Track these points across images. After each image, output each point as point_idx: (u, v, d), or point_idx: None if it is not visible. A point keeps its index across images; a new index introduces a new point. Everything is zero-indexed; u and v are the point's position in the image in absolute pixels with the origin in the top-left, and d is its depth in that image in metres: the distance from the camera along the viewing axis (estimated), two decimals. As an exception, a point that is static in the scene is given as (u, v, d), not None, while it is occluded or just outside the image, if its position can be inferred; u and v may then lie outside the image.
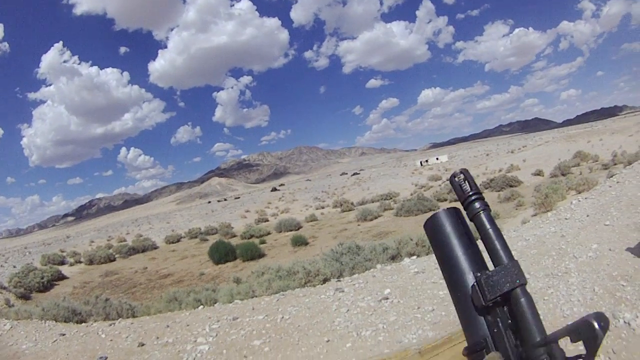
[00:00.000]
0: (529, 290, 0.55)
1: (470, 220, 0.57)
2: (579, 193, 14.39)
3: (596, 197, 7.53)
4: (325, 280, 8.19)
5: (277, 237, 28.59)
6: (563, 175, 27.32)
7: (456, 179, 0.58)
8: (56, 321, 7.31)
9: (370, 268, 8.18)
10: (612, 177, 9.54)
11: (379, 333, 4.71)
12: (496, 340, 0.54)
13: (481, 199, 0.57)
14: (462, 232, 0.59)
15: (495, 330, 0.54)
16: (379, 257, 9.11)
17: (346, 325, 5.10)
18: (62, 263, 29.93)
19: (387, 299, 5.66)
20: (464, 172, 0.58)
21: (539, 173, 32.55)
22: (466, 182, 0.57)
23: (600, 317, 0.46)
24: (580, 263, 4.79)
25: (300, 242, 23.07)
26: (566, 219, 7.04)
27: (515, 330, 0.52)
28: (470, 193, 0.56)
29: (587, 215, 6.63)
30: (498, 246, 0.54)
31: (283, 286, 7.95)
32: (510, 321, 0.53)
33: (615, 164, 26.14)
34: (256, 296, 7.80)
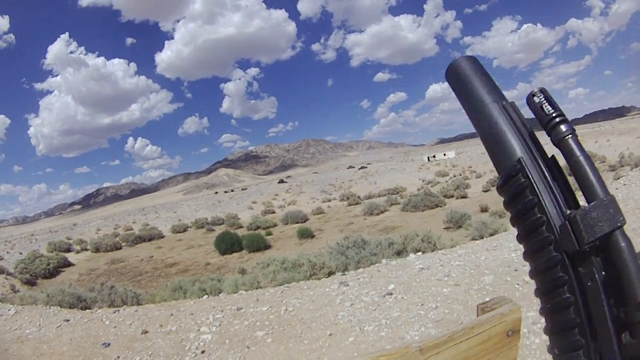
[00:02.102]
0: None
1: (555, 146, 0.48)
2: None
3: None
4: (330, 274, 8.18)
5: (283, 229, 28.63)
6: (570, 175, 27.03)
7: (535, 98, 0.48)
8: (61, 307, 7.36)
9: (375, 263, 8.15)
10: (618, 179, 9.41)
11: (382, 328, 4.68)
12: (589, 298, 0.42)
13: (566, 121, 0.47)
14: (479, 69, 0.54)
15: (590, 284, 0.42)
16: (384, 252, 9.08)
17: (349, 320, 5.08)
18: (69, 250, 30.35)
19: (391, 294, 5.63)
20: (543, 91, 0.49)
21: (547, 172, 32.26)
22: (547, 102, 0.48)
23: None
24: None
25: (306, 234, 23.07)
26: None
27: (610, 285, 0.41)
28: (554, 114, 0.47)
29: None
30: (592, 177, 0.44)
31: (288, 278, 7.95)
32: (604, 273, 0.41)
33: (622, 166, 25.85)
34: (261, 287, 7.81)
